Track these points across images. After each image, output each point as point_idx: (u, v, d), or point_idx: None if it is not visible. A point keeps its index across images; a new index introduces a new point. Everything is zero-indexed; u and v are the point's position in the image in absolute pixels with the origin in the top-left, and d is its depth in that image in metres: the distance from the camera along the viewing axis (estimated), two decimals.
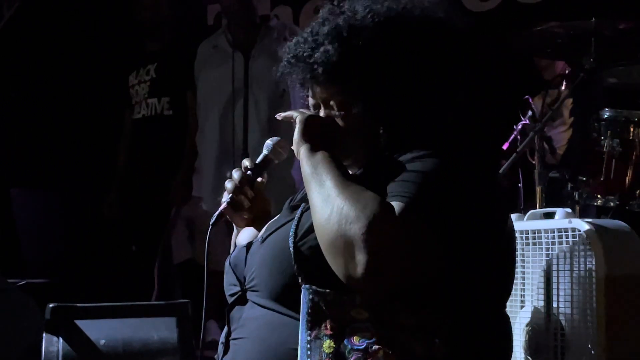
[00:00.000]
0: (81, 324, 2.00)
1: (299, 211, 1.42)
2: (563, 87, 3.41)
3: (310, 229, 1.35)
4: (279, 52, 1.54)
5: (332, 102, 1.49)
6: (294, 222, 1.40)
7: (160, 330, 2.04)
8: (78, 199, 4.50)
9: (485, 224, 1.37)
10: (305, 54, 1.47)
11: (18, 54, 4.78)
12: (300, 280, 1.34)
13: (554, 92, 3.67)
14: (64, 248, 4.32)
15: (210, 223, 1.61)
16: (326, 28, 1.45)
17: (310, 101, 1.55)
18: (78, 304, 2.05)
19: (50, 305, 2.01)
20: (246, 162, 1.64)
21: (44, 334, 1.96)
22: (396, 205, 1.26)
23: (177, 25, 4.12)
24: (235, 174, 1.62)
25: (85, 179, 4.76)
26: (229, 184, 1.61)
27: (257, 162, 1.63)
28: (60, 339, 1.96)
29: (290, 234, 1.38)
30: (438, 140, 1.41)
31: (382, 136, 1.45)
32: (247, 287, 1.47)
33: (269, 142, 1.64)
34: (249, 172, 1.62)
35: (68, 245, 4.34)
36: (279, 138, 1.65)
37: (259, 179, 1.64)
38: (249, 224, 1.68)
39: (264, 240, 1.47)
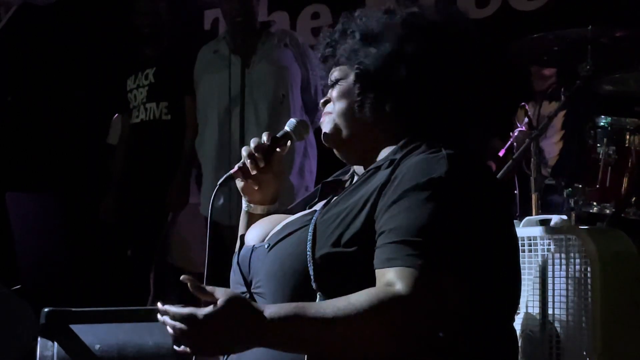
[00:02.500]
0: (76, 328, 2.00)
1: (313, 220, 1.40)
2: (562, 98, 3.42)
3: (327, 238, 1.34)
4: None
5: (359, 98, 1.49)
6: (310, 231, 1.38)
7: (155, 335, 2.03)
8: (74, 203, 4.49)
9: (496, 244, 1.36)
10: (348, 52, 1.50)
11: (16, 57, 4.78)
12: (315, 287, 1.33)
13: (550, 102, 3.68)
14: (60, 252, 4.31)
15: (218, 183, 1.61)
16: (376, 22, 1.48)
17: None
18: (73, 309, 2.04)
19: (45, 310, 2.00)
20: (264, 136, 1.64)
21: (38, 339, 1.96)
22: (401, 284, 1.22)
23: (175, 31, 4.12)
24: (252, 142, 1.62)
25: (82, 183, 4.76)
26: (244, 150, 1.62)
27: (277, 135, 1.64)
28: (55, 344, 1.95)
29: (309, 238, 1.36)
30: (449, 141, 1.39)
31: (402, 135, 1.45)
32: (253, 291, 1.46)
33: (292, 120, 1.66)
34: (266, 143, 1.62)
35: (63, 250, 4.34)
36: (303, 119, 1.66)
37: (277, 150, 1.64)
38: (258, 200, 1.68)
39: (271, 247, 1.45)
